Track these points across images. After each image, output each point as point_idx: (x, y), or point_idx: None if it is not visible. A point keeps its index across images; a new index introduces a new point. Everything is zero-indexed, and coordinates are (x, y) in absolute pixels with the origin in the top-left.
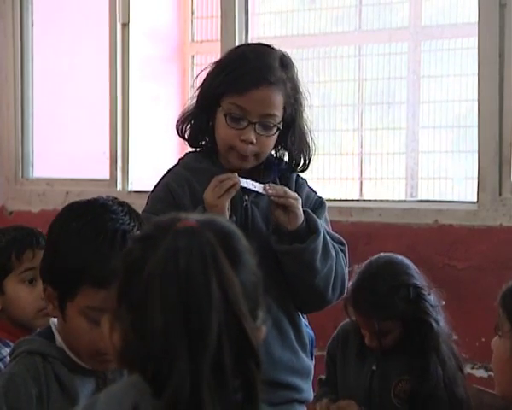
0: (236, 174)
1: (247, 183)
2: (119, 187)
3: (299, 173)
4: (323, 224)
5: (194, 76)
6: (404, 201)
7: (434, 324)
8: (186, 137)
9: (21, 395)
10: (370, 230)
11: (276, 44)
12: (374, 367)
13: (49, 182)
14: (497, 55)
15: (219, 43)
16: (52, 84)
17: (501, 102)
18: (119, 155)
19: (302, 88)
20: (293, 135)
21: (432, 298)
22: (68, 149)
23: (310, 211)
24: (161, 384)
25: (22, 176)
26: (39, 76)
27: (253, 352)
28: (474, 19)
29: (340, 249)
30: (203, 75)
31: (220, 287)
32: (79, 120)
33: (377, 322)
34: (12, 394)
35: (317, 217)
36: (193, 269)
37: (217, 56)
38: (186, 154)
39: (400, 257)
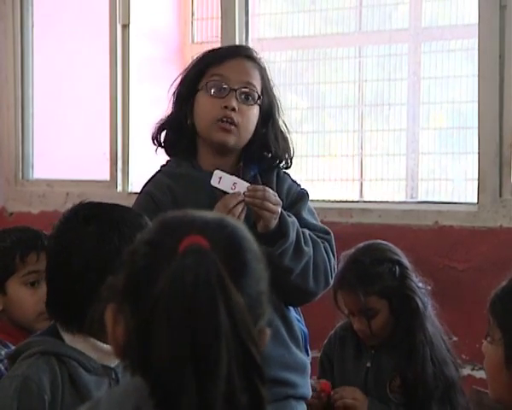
0: (220, 172)
1: (228, 179)
2: (120, 188)
3: (279, 168)
4: (308, 213)
5: None
6: (405, 202)
7: (419, 302)
8: (163, 144)
9: (34, 399)
10: (370, 231)
11: (276, 46)
12: (368, 364)
13: (50, 183)
14: (498, 57)
15: (219, 45)
16: (52, 85)
17: (501, 103)
18: (119, 156)
19: (276, 92)
20: (273, 128)
21: (417, 280)
22: (68, 150)
23: (283, 212)
24: (164, 396)
25: (22, 177)
26: (39, 77)
27: (259, 371)
28: (475, 20)
29: (326, 239)
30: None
31: (228, 314)
32: (80, 121)
33: (363, 296)
34: (25, 397)
35: (299, 209)
36: (200, 297)
37: None
38: (167, 161)
39: (386, 242)
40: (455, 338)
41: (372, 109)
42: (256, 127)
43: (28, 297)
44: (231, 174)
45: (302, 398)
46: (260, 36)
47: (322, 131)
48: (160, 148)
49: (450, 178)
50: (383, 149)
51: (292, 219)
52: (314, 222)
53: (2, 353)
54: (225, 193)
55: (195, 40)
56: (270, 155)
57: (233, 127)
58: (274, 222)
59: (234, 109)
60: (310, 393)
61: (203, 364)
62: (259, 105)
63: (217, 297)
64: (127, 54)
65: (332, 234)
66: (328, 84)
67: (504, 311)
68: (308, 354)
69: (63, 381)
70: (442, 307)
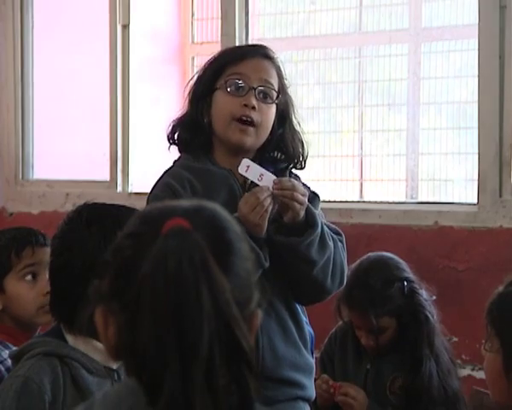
0: (248, 161)
1: (255, 169)
2: (120, 189)
3: (293, 170)
4: (322, 215)
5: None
6: (405, 202)
7: (429, 315)
8: (177, 142)
9: (34, 401)
10: (370, 231)
11: (277, 46)
12: (368, 366)
13: (50, 183)
14: (497, 57)
15: (219, 45)
16: (52, 86)
17: (501, 103)
18: (119, 156)
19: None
20: (290, 128)
21: (424, 292)
22: (68, 150)
23: (309, 205)
24: (156, 393)
25: (22, 177)
26: (40, 78)
27: (245, 356)
28: (475, 20)
29: (339, 240)
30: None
31: (211, 296)
32: (80, 122)
33: (375, 318)
34: (24, 399)
35: None
36: (183, 279)
37: None
38: (180, 156)
39: (390, 254)
40: (455, 338)
41: (372, 110)
42: (272, 127)
43: (27, 292)
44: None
45: (309, 400)
46: (260, 36)
47: (322, 131)
48: (174, 146)
49: (450, 179)
50: (383, 149)
51: (316, 211)
52: (326, 223)
53: (3, 354)
54: (245, 187)
55: (195, 40)
56: (283, 156)
57: (251, 128)
58: (302, 213)
59: (254, 108)
60: (314, 395)
61: (185, 346)
62: (276, 104)
63: (200, 278)
64: (127, 54)
65: (343, 235)
66: (328, 85)
67: (502, 320)
68: (313, 357)
69: (65, 382)
70: (442, 308)
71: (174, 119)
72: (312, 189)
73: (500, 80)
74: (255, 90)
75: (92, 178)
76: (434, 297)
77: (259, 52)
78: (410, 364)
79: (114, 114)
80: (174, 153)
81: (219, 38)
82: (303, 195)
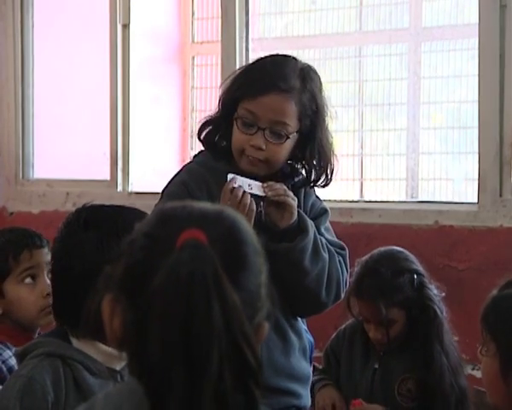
0: (234, 175)
1: (242, 181)
2: (120, 188)
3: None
4: (325, 229)
5: (195, 77)
6: (405, 202)
7: (438, 310)
8: (204, 140)
9: (37, 401)
10: (371, 231)
11: (277, 45)
12: (376, 366)
13: (50, 183)
14: (498, 56)
15: (220, 44)
16: (53, 85)
17: (501, 102)
18: (119, 155)
19: (324, 102)
20: (313, 149)
21: (433, 288)
22: (69, 149)
23: (301, 212)
24: (158, 400)
25: (23, 177)
26: (40, 77)
27: (252, 372)
28: (475, 20)
29: (339, 253)
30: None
31: (222, 313)
32: (80, 121)
33: (384, 308)
34: (28, 399)
35: (319, 224)
36: (194, 296)
37: (217, 57)
38: (200, 151)
39: (400, 248)
40: (455, 338)
41: (372, 109)
42: (293, 149)
43: (27, 295)
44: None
45: (303, 408)
46: (260, 36)
47: None
48: (201, 143)
49: (450, 178)
50: (383, 148)
51: (310, 221)
52: (330, 238)
53: (4, 354)
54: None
55: (196, 40)
56: (305, 173)
57: (260, 163)
58: (295, 213)
59: (261, 149)
60: (309, 403)
61: (194, 362)
62: (298, 131)
63: (211, 296)
64: (127, 54)
65: (347, 250)
66: (328, 84)
67: (497, 325)
68: (311, 365)
69: (67, 383)
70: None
71: (207, 117)
72: (323, 204)
73: (500, 80)
74: (264, 130)
75: (92, 178)
76: (443, 294)
77: (276, 87)
78: (420, 361)
79: (115, 114)
80: (174, 153)
81: (220, 38)
82: (292, 199)
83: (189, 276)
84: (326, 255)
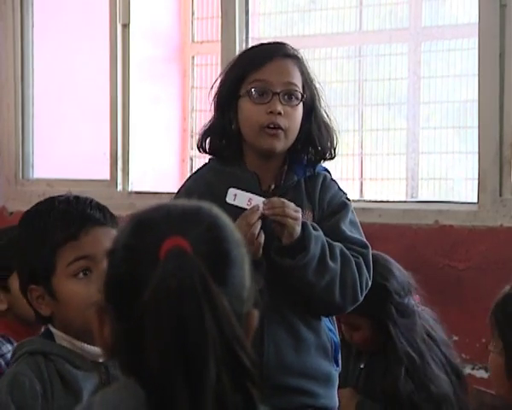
0: (235, 190)
1: (243, 196)
2: (120, 188)
3: (327, 175)
4: (350, 223)
5: (195, 76)
6: (405, 201)
7: (392, 330)
8: (209, 151)
9: (26, 392)
10: (371, 230)
11: None
12: (362, 366)
13: (50, 183)
14: (498, 56)
15: (219, 44)
16: (52, 85)
17: (501, 102)
18: (119, 155)
19: (315, 79)
20: (316, 120)
21: (406, 301)
22: (69, 149)
23: (309, 224)
24: (158, 399)
25: (23, 177)
26: (40, 77)
27: (248, 371)
28: (475, 19)
29: (360, 253)
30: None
31: (214, 320)
32: (80, 121)
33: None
34: (17, 391)
35: (338, 220)
36: (187, 307)
37: (217, 57)
38: (210, 159)
39: (384, 257)
40: (455, 338)
41: (372, 109)
42: (300, 123)
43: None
44: (275, 178)
45: (324, 409)
46: (260, 36)
47: None
48: (206, 154)
49: (450, 178)
50: (383, 148)
51: (317, 233)
52: (351, 235)
53: (3, 348)
54: (269, 191)
55: (196, 39)
56: (314, 149)
57: (280, 131)
58: (298, 228)
59: (280, 113)
60: (335, 404)
61: (192, 369)
62: (303, 100)
63: (202, 305)
64: (127, 53)
65: (369, 248)
66: (328, 84)
67: (505, 323)
68: (338, 365)
69: (50, 376)
70: (442, 307)
71: (203, 127)
72: (346, 196)
73: (500, 79)
74: (279, 94)
75: (92, 178)
76: (424, 308)
77: (279, 53)
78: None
79: (114, 113)
80: (174, 152)
81: (219, 37)
82: (295, 211)
83: (179, 288)
84: (336, 265)
